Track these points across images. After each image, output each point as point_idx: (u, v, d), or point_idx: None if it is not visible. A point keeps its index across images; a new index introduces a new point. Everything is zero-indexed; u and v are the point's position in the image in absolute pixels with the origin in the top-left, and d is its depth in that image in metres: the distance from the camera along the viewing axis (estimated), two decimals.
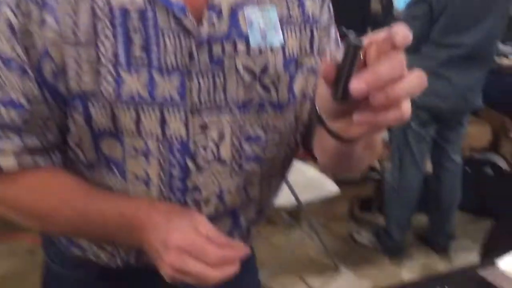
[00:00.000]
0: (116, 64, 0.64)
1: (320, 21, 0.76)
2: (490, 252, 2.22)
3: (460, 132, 2.49)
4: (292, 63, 0.74)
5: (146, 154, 0.69)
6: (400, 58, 0.46)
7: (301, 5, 0.74)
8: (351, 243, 2.67)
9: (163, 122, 0.68)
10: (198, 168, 0.71)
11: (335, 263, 2.42)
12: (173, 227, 0.64)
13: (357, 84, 0.45)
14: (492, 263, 1.05)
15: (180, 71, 0.67)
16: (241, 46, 0.69)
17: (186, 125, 0.69)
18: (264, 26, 0.70)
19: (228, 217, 0.79)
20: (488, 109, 2.80)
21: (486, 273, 1.03)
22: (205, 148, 0.71)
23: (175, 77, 0.67)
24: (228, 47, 0.69)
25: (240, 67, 0.70)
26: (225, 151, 0.73)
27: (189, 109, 0.69)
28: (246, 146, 0.74)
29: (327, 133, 0.56)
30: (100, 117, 0.66)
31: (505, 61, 2.81)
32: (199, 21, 0.66)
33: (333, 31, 0.81)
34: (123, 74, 0.65)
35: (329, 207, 2.77)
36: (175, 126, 0.69)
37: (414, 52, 2.33)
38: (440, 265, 2.55)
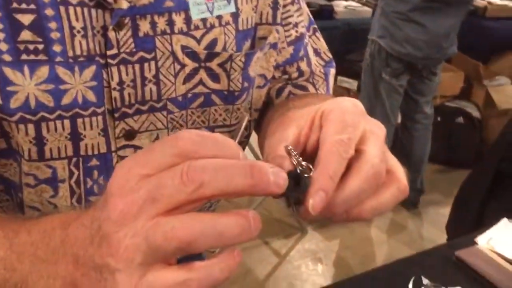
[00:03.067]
0: None
1: None
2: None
3: (434, 82, 2.34)
4: (247, 39, 0.55)
5: (52, 182, 0.50)
6: (378, 167, 0.36)
7: None
8: None
9: (75, 136, 0.48)
10: None
11: (301, 223, 2.30)
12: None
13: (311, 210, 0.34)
14: (471, 242, 0.92)
15: (92, 60, 0.46)
16: (178, 20, 0.49)
17: (106, 135, 0.50)
18: None
19: None
20: (461, 55, 2.65)
21: (465, 254, 0.90)
22: None
23: (87, 69, 0.46)
24: (160, 22, 0.48)
25: (177, 49, 0.50)
26: None
27: (108, 112, 0.49)
28: None
29: None
30: None
31: (482, 3, 2.63)
32: None
33: None
34: (8, 74, 0.44)
35: None
36: (91, 137, 0.49)
37: None
38: (410, 222, 2.47)
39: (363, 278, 0.97)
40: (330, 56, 0.69)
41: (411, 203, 2.52)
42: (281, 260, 2.12)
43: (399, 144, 2.49)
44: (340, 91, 2.87)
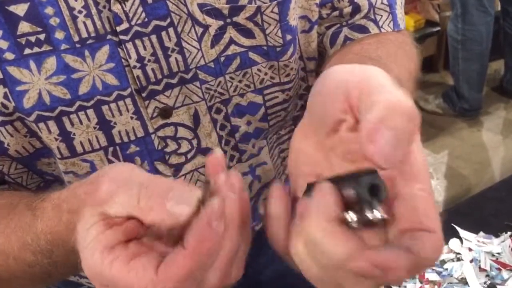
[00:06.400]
0: None
1: None
2: None
3: None
4: None
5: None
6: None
7: None
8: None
9: (104, 124, 0.44)
10: (176, 169, 0.50)
11: None
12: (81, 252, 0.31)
13: None
14: None
15: (103, 40, 0.41)
16: None
17: (140, 118, 0.45)
18: None
19: None
20: None
21: None
22: (177, 141, 0.48)
23: (99, 52, 0.42)
24: None
25: (194, 9, 0.43)
26: (208, 138, 0.49)
27: (136, 92, 0.44)
28: (237, 122, 0.50)
29: None
30: (15, 142, 0.44)
31: None
32: None
33: None
34: (14, 73, 0.40)
35: None
36: (123, 123, 0.45)
37: None
38: None
39: (479, 198, 0.88)
40: None
41: None
42: None
43: (502, 34, 2.23)
44: None
